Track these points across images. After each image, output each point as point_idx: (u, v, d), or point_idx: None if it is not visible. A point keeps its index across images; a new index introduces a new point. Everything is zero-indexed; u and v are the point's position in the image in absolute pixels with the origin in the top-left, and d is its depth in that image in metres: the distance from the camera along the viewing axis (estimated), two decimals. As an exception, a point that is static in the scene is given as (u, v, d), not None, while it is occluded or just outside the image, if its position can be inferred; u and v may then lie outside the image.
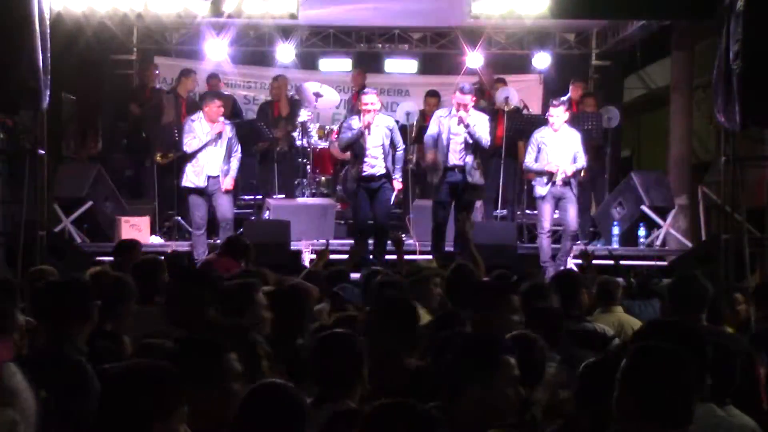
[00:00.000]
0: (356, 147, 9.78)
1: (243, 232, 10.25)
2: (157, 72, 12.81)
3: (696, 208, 11.40)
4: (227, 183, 9.99)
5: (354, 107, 11.79)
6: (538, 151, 9.82)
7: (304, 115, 12.04)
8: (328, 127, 12.56)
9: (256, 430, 2.91)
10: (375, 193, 9.77)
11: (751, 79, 7.74)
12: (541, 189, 9.86)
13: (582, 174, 10.11)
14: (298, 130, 12.10)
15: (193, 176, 9.94)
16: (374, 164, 9.71)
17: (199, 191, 9.94)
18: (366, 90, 10.33)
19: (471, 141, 9.53)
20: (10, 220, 9.36)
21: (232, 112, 11.78)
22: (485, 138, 9.59)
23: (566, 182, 9.76)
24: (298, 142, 12.15)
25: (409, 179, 11.34)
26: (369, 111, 9.61)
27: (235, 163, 10.06)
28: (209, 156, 9.90)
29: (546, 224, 9.86)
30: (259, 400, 2.95)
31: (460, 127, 9.60)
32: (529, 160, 9.92)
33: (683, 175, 12.06)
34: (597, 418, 3.09)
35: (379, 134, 9.69)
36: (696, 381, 2.85)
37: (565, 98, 11.59)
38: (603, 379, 3.04)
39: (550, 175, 9.73)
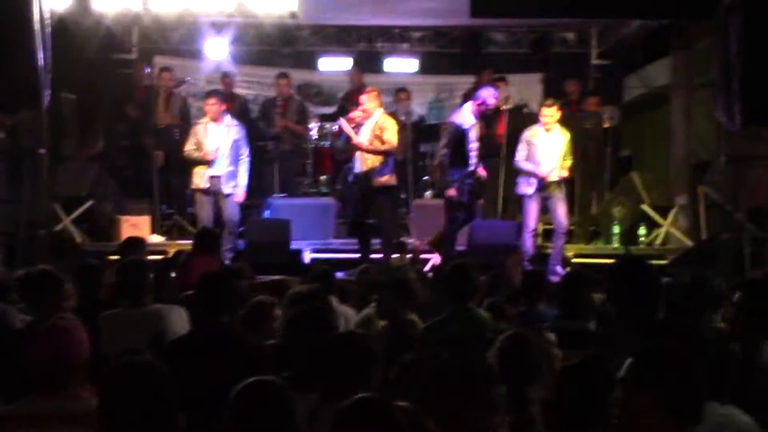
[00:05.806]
0: (349, 145, 9.78)
1: (243, 231, 10.26)
2: (148, 71, 12.73)
3: (696, 207, 11.38)
4: (239, 195, 9.98)
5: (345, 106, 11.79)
6: (528, 150, 9.77)
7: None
8: (328, 126, 12.55)
9: (246, 429, 2.90)
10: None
11: (751, 78, 7.76)
12: (527, 188, 9.78)
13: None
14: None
15: (197, 177, 9.97)
16: (367, 160, 9.61)
17: (204, 191, 9.95)
18: (368, 89, 10.21)
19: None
20: (10, 219, 9.36)
21: (240, 113, 11.70)
22: None
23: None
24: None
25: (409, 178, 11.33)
26: (357, 111, 9.63)
27: (243, 170, 9.99)
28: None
29: (531, 223, 9.78)
30: (246, 398, 2.93)
31: (475, 130, 9.53)
32: (520, 158, 9.84)
33: (683, 175, 12.03)
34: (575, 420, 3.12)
35: (369, 132, 9.59)
36: (706, 380, 2.84)
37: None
38: (584, 381, 3.09)
39: (540, 180, 9.67)
